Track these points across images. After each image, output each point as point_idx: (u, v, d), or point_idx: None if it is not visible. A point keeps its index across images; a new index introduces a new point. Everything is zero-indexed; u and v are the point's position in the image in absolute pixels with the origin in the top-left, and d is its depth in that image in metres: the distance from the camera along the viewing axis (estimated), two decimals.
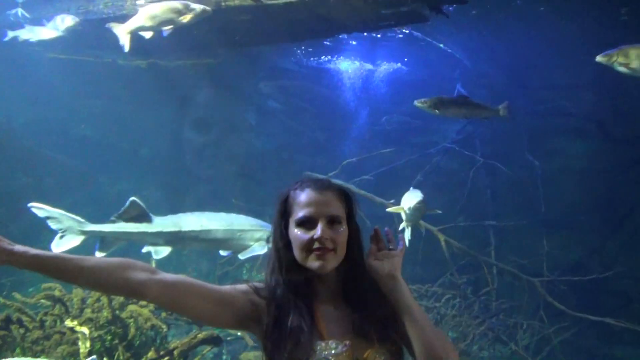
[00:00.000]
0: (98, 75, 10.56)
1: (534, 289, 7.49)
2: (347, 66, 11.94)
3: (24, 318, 5.43)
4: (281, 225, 1.92)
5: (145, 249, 5.83)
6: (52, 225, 5.50)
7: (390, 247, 1.96)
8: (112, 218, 5.68)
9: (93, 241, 5.70)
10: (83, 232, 5.52)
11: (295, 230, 1.86)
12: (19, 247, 1.69)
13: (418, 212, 5.61)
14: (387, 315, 1.88)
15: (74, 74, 10.41)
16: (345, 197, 1.94)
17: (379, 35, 10.43)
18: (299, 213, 1.85)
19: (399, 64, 11.89)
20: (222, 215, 5.92)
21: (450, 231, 7.75)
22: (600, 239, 9.32)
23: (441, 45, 10.61)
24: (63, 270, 1.73)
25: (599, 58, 5.37)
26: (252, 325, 1.89)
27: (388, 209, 6.25)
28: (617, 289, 8.66)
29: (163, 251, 5.77)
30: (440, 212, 5.80)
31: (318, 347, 1.80)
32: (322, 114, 11.46)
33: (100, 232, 5.60)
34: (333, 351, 1.80)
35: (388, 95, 11.38)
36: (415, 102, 6.29)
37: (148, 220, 5.70)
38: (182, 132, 11.32)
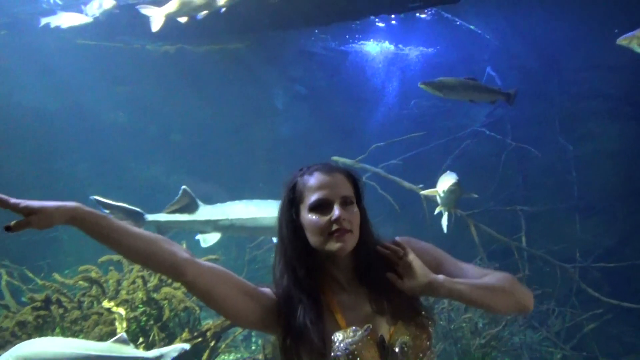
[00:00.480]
0: (127, 61, 10.69)
1: (566, 275, 7.38)
2: (376, 49, 11.81)
3: (63, 299, 5.60)
4: (291, 212, 1.87)
5: (197, 237, 6.05)
6: (114, 217, 5.72)
7: (398, 256, 1.87)
8: (167, 207, 5.93)
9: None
10: (142, 222, 5.74)
11: (309, 215, 1.82)
12: (71, 203, 1.68)
13: (453, 195, 5.53)
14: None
15: (104, 61, 10.56)
16: (353, 178, 1.92)
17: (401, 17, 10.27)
18: (312, 197, 1.81)
19: (427, 47, 11.72)
20: (271, 202, 6.01)
21: (480, 216, 7.66)
22: (635, 225, 9.06)
23: (472, 26, 10.40)
24: (111, 230, 1.69)
25: (619, 41, 5.25)
26: (274, 327, 1.87)
27: (422, 192, 6.19)
28: None
29: (211, 239, 5.96)
30: (476, 195, 5.73)
31: (335, 339, 1.77)
32: (350, 98, 11.39)
33: (156, 221, 5.80)
34: (351, 339, 1.75)
35: (417, 78, 11.23)
36: (420, 84, 6.16)
37: (197, 208, 5.95)
38: (210, 118, 11.40)
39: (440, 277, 1.82)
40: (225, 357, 7.72)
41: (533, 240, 8.25)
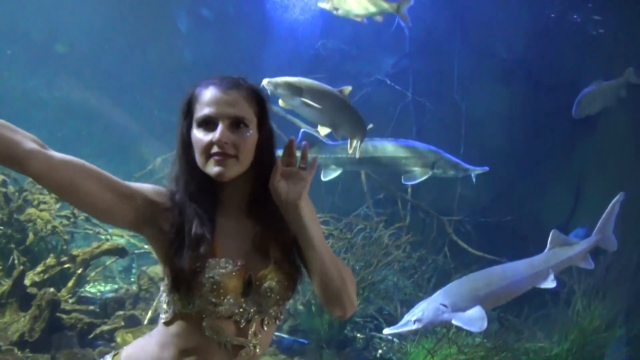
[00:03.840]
0: None
1: (443, 226, 7.94)
2: None
3: None
4: (183, 126, 1.74)
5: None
6: None
7: (301, 165, 1.71)
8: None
9: None
10: None
11: (196, 131, 1.69)
12: None
13: None
14: (290, 234, 1.77)
15: None
16: (257, 98, 1.75)
17: None
18: (200, 112, 1.67)
19: None
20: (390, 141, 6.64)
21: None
22: (508, 185, 9.62)
23: None
24: None
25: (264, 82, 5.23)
26: (146, 229, 1.73)
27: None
28: (519, 232, 9.14)
29: (332, 173, 6.38)
30: (372, 125, 6.07)
31: (207, 265, 1.69)
32: (259, 29, 10.84)
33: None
34: (223, 270, 1.68)
35: (323, 19, 10.83)
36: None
37: (321, 145, 6.32)
38: (102, 28, 10.37)
39: (305, 208, 1.69)
40: (102, 287, 7.51)
41: (419, 192, 8.65)
